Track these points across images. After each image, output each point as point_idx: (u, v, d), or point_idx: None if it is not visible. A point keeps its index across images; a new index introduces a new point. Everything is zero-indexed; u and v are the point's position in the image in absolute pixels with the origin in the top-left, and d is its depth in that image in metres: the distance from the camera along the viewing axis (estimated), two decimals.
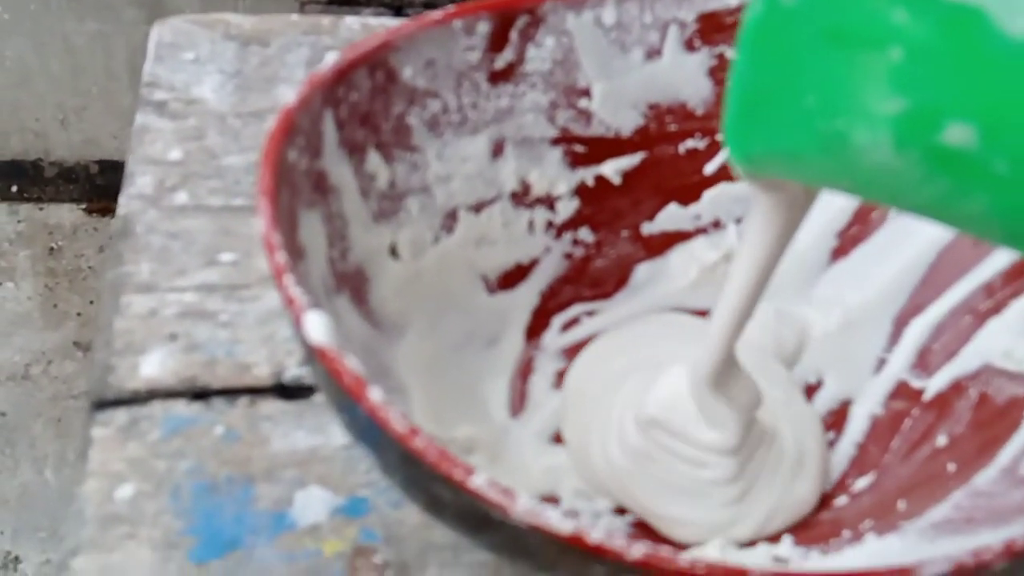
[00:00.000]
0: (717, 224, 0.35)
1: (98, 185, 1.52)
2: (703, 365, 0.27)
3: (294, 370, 0.31)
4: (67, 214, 1.53)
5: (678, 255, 0.35)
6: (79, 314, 1.42)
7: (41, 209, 1.54)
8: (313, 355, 0.21)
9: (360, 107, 0.29)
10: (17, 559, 1.23)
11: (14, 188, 1.53)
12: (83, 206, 1.54)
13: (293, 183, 0.26)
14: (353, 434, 0.23)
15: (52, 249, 1.50)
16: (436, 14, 0.30)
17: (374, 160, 0.29)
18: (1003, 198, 0.20)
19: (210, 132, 0.38)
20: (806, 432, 0.31)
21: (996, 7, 0.18)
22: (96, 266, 1.48)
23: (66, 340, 1.39)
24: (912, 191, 0.20)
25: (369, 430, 0.21)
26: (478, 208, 0.32)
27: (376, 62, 0.29)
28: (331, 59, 0.28)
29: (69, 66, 1.44)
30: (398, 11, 0.47)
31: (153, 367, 0.31)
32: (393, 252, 0.30)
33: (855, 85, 0.20)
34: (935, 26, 0.18)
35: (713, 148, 0.35)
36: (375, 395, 0.20)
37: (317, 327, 0.21)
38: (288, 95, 0.40)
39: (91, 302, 1.44)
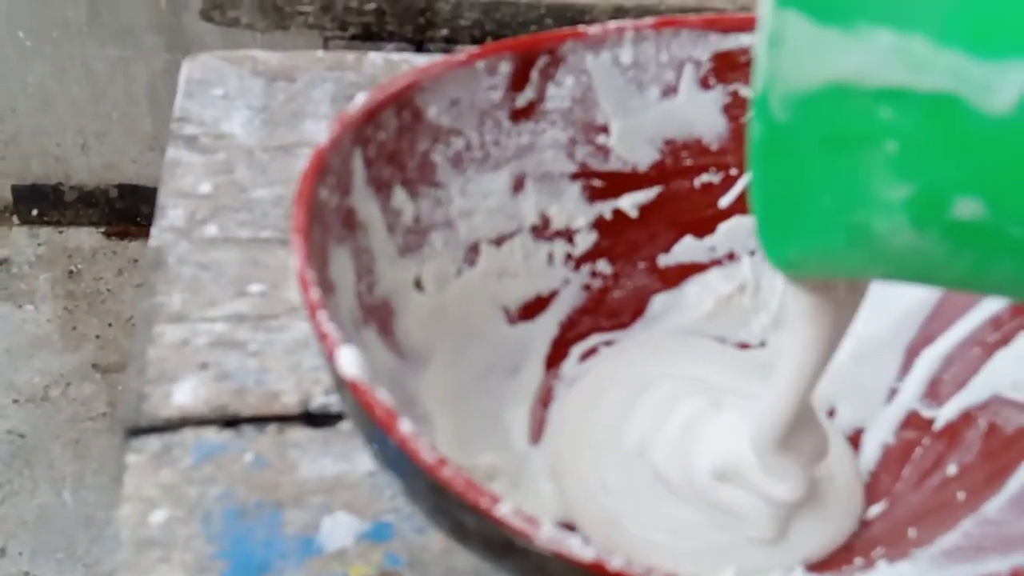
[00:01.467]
0: (732, 256, 0.36)
1: (117, 209, 1.54)
2: (767, 428, 0.28)
3: (320, 398, 0.32)
4: (86, 237, 1.55)
5: (693, 286, 0.36)
6: (98, 336, 1.44)
7: (61, 232, 1.56)
8: (345, 388, 0.22)
9: (387, 145, 0.30)
10: None
11: (35, 212, 1.55)
12: (102, 230, 1.56)
13: (324, 220, 0.27)
14: (382, 463, 0.24)
15: (71, 272, 1.51)
16: (460, 55, 0.32)
17: (400, 196, 0.30)
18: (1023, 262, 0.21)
19: (239, 166, 0.39)
20: (846, 468, 0.32)
21: (968, 91, 0.19)
22: (115, 289, 1.50)
23: (84, 362, 1.41)
24: (943, 267, 0.22)
25: (398, 460, 0.22)
26: (499, 241, 0.33)
27: (403, 102, 0.30)
28: (360, 99, 0.29)
29: (89, 92, 1.46)
30: (419, 46, 0.48)
31: (185, 395, 0.32)
32: (418, 285, 0.31)
33: (863, 179, 0.21)
34: (920, 116, 0.20)
35: (727, 182, 0.36)
36: (405, 427, 0.21)
37: (349, 361, 0.22)
38: (314, 130, 0.41)
39: (109, 324, 1.45)
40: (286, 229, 0.37)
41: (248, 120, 0.41)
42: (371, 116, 0.29)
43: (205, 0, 0.45)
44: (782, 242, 0.23)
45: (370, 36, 0.48)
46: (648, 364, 0.34)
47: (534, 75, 0.33)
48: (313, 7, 0.47)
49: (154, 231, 0.37)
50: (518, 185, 0.33)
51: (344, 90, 0.42)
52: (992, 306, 0.33)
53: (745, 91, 0.35)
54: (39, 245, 1.54)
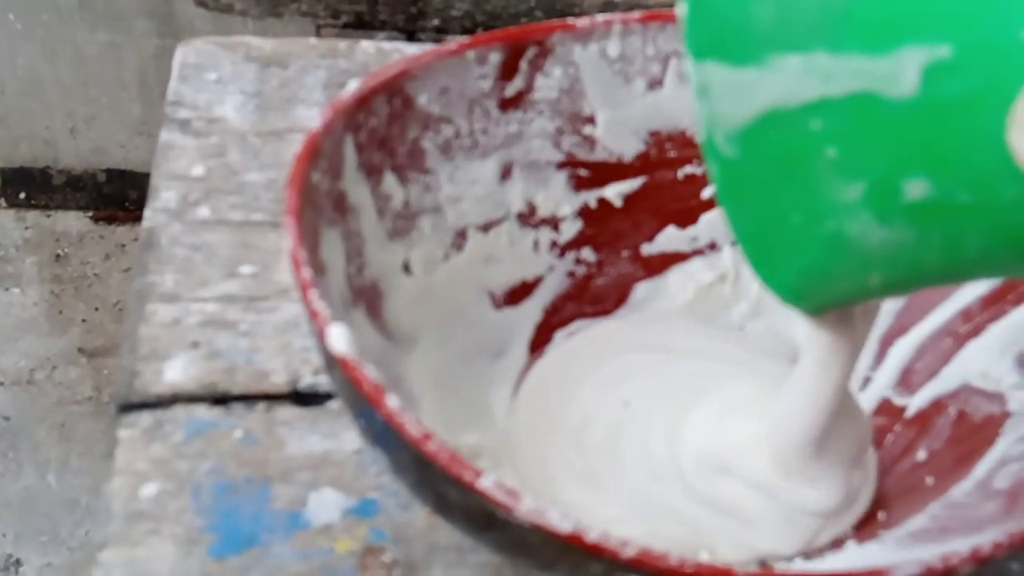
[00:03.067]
0: (713, 246, 0.37)
1: (105, 194, 1.54)
2: (795, 436, 0.29)
3: (309, 378, 0.33)
4: (74, 221, 1.55)
5: (676, 275, 0.37)
6: (84, 320, 1.44)
7: (48, 216, 1.56)
8: (334, 364, 0.23)
9: (378, 132, 0.31)
10: (19, 562, 1.25)
11: (22, 195, 1.55)
12: (90, 214, 1.56)
13: (316, 203, 0.27)
14: (369, 438, 0.25)
15: (58, 256, 1.52)
16: (451, 45, 0.32)
17: (390, 181, 0.31)
18: (989, 224, 0.22)
19: (231, 150, 0.40)
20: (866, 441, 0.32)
21: (876, 85, 0.21)
22: (102, 273, 1.50)
23: (71, 346, 1.41)
24: (925, 257, 0.23)
25: (385, 434, 0.23)
26: (486, 228, 0.34)
27: (394, 89, 0.31)
28: (352, 86, 0.30)
29: (79, 76, 1.46)
30: (411, 35, 0.49)
31: (176, 373, 0.33)
32: (406, 268, 0.32)
33: (819, 189, 0.22)
34: (844, 119, 0.21)
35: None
36: (392, 402, 0.22)
37: (339, 339, 0.23)
38: (306, 116, 0.41)
39: (96, 309, 1.45)
40: (277, 212, 0.38)
41: (241, 105, 0.41)
42: (363, 102, 0.30)
43: None
44: (777, 272, 0.25)
45: (362, 25, 0.48)
46: (613, 338, 0.35)
47: (523, 65, 0.34)
48: None
49: (147, 212, 0.37)
50: (506, 173, 0.34)
51: (336, 77, 0.43)
52: (963, 298, 0.34)
53: None
54: (26, 228, 1.54)
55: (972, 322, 0.33)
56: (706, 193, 0.37)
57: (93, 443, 1.30)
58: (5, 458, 1.29)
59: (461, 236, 0.33)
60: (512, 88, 0.34)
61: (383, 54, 0.44)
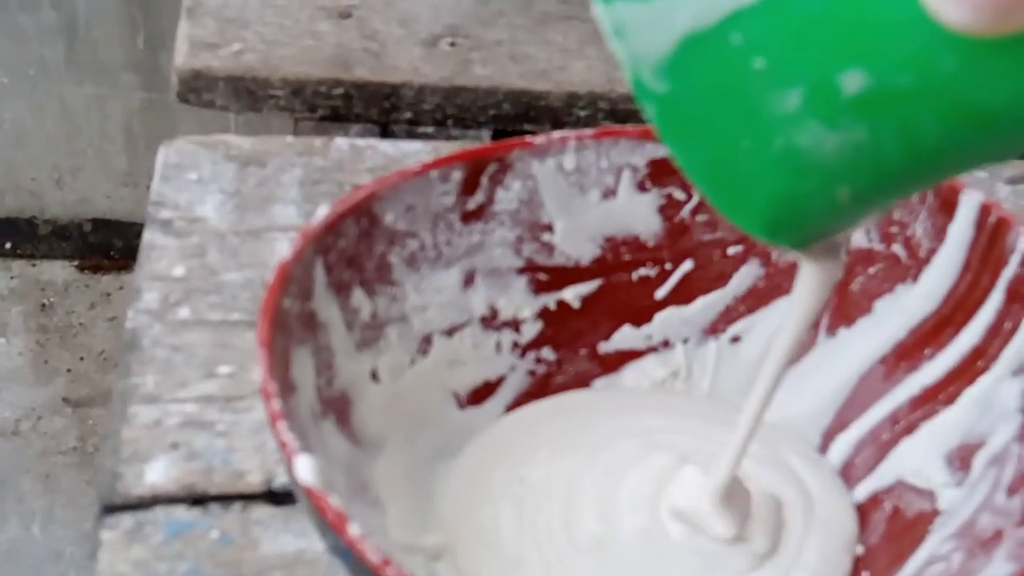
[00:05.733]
0: (667, 343, 0.39)
1: (91, 243, 1.56)
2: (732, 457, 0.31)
3: (282, 477, 0.35)
4: (59, 271, 1.57)
5: (631, 371, 0.39)
6: (69, 370, 1.45)
7: (34, 266, 1.57)
8: (301, 492, 0.25)
9: (347, 251, 0.33)
10: None
11: (8, 245, 1.56)
12: (75, 263, 1.58)
13: (287, 327, 0.29)
14: (334, 554, 0.27)
15: (44, 305, 1.53)
16: (415, 166, 0.35)
17: (358, 296, 0.33)
18: (938, 102, 0.21)
19: (211, 249, 0.42)
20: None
21: None
22: (87, 323, 1.51)
23: (56, 396, 1.42)
24: (887, 156, 0.22)
25: (347, 556, 0.25)
26: (451, 332, 0.36)
27: (362, 211, 0.33)
28: (322, 212, 0.32)
29: (65, 128, 1.48)
30: (384, 127, 0.51)
31: (157, 474, 0.34)
32: (374, 376, 0.34)
33: (758, 106, 0.22)
34: (763, 25, 0.21)
35: (663, 275, 0.39)
36: (353, 530, 0.24)
37: (306, 469, 0.25)
38: (282, 214, 0.44)
39: (81, 358, 1.47)
40: (254, 312, 0.40)
41: (221, 204, 0.43)
42: (332, 227, 0.32)
43: (181, 84, 0.48)
44: (744, 207, 0.24)
45: (338, 118, 0.51)
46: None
47: (484, 181, 0.36)
48: (284, 91, 0.49)
49: (130, 313, 0.39)
50: (468, 280, 0.36)
51: (312, 175, 0.45)
52: (899, 395, 0.36)
53: (679, 194, 0.38)
54: (12, 278, 1.56)
55: (906, 419, 0.36)
56: (659, 294, 0.39)
57: (78, 494, 1.30)
58: None
59: (426, 342, 0.36)
60: (474, 202, 0.36)
61: (357, 151, 0.46)
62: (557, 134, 0.37)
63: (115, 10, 1.41)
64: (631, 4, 0.22)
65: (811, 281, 0.29)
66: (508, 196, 0.36)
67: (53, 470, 1.35)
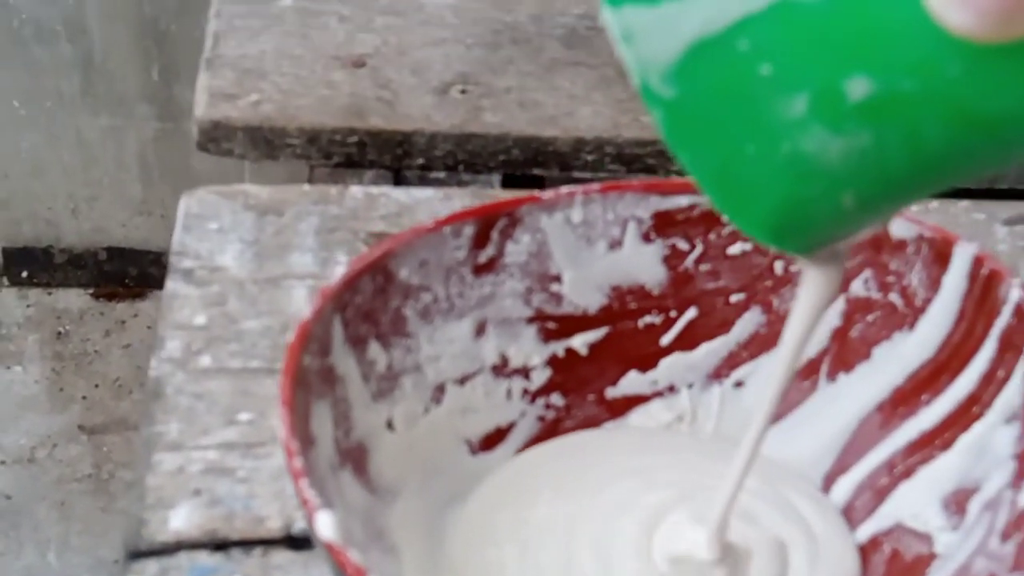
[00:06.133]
0: (672, 388, 0.40)
1: (106, 271, 1.58)
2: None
3: (301, 523, 0.36)
4: (75, 299, 1.59)
5: (638, 416, 0.40)
6: (84, 398, 1.47)
7: (50, 294, 1.59)
8: (322, 546, 0.26)
9: (363, 307, 0.34)
10: None
11: (24, 273, 1.58)
12: (90, 291, 1.59)
13: (307, 383, 0.31)
14: None
15: (59, 333, 1.55)
16: (428, 223, 0.36)
17: (374, 349, 0.35)
18: (942, 108, 0.21)
19: (231, 298, 0.43)
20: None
21: None
22: (102, 350, 1.53)
23: (71, 424, 1.43)
24: (893, 162, 0.22)
25: None
26: (463, 381, 0.37)
27: (378, 268, 0.34)
28: (340, 271, 0.33)
29: (81, 158, 1.51)
30: (397, 172, 0.53)
31: (180, 520, 0.36)
32: (389, 425, 0.35)
33: (765, 111, 0.22)
34: (769, 32, 0.22)
35: (667, 323, 0.40)
36: None
37: (326, 525, 0.26)
38: (300, 262, 0.45)
39: (96, 386, 1.48)
40: (273, 359, 0.41)
41: (240, 253, 0.45)
42: (350, 284, 0.33)
43: (201, 134, 0.50)
44: (750, 213, 0.24)
45: (352, 164, 0.52)
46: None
47: (494, 235, 0.37)
48: (300, 140, 0.51)
49: (153, 362, 0.41)
50: (480, 330, 0.38)
51: (328, 223, 0.47)
52: (898, 440, 0.37)
53: (682, 244, 0.39)
54: (28, 307, 1.58)
55: (904, 463, 0.37)
56: (665, 340, 0.40)
57: (92, 521, 1.32)
58: (6, 537, 1.31)
59: (440, 390, 0.37)
60: (485, 255, 0.37)
61: (371, 199, 0.48)
62: (565, 189, 0.38)
63: (130, 43, 1.43)
64: (639, 10, 0.22)
65: (814, 287, 0.29)
66: (518, 249, 0.38)
67: (68, 497, 1.36)
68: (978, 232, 0.50)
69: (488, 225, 0.37)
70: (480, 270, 0.37)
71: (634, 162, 0.54)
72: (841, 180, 0.23)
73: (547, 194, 0.38)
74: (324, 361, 0.32)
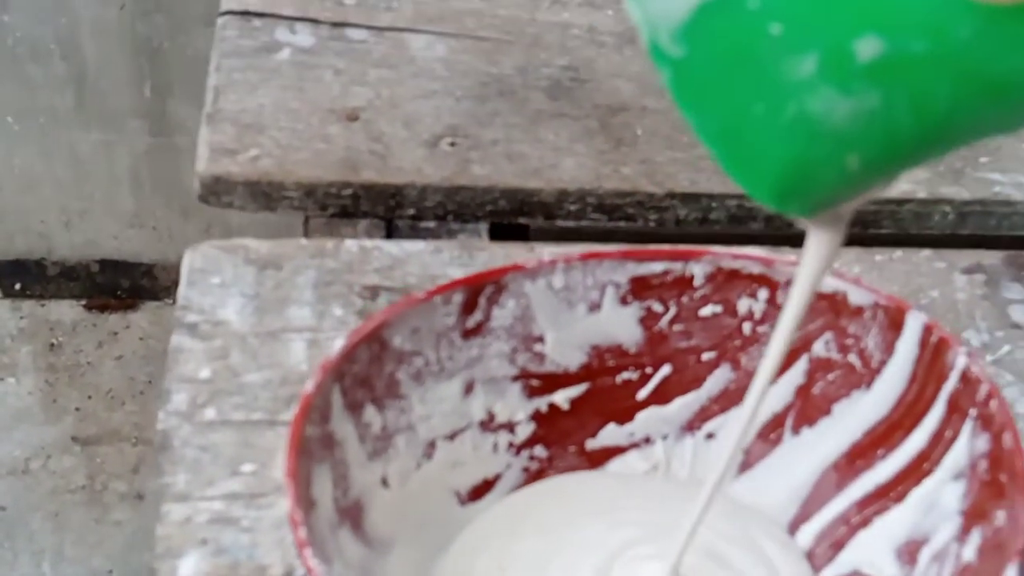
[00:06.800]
0: (648, 440, 0.43)
1: (98, 283, 1.60)
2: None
3: (301, 570, 0.39)
4: (67, 310, 1.61)
5: (615, 465, 0.43)
6: (77, 409, 1.49)
7: (42, 305, 1.61)
8: None
9: (360, 375, 0.37)
10: None
11: (17, 286, 1.60)
12: (83, 302, 1.61)
13: (309, 451, 0.33)
14: None
15: (52, 345, 1.57)
16: (420, 294, 0.39)
17: (370, 412, 0.37)
18: (951, 69, 0.21)
19: (233, 351, 0.46)
20: None
21: None
22: (94, 362, 1.55)
23: (64, 435, 1.46)
24: (899, 123, 0.22)
25: None
26: (452, 436, 0.40)
27: (373, 338, 0.37)
28: (338, 344, 0.36)
29: (73, 173, 1.53)
30: (390, 223, 0.55)
31: (188, 570, 0.38)
32: (384, 482, 0.38)
33: (773, 71, 0.22)
34: None
35: (644, 379, 0.43)
36: None
37: None
38: (298, 315, 0.48)
39: (89, 397, 1.50)
40: (273, 411, 0.44)
41: (241, 307, 0.47)
42: (348, 357, 0.36)
43: (203, 188, 0.52)
44: (754, 173, 0.24)
45: (347, 215, 0.55)
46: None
47: (482, 301, 0.40)
48: (298, 193, 0.54)
49: (161, 415, 0.43)
50: (468, 389, 0.40)
51: (324, 276, 0.49)
52: (856, 491, 0.40)
53: (657, 306, 0.42)
54: (21, 318, 1.60)
55: (862, 514, 0.40)
56: (641, 395, 0.43)
57: (86, 532, 1.34)
58: (1, 548, 1.33)
59: (431, 447, 0.40)
60: (473, 320, 0.40)
61: (365, 252, 0.50)
62: (547, 257, 0.41)
63: (123, 61, 1.46)
64: None
65: (816, 249, 0.30)
66: (503, 313, 0.41)
67: (63, 508, 1.38)
68: (939, 280, 0.53)
69: (476, 293, 0.40)
70: (468, 334, 0.40)
71: (615, 211, 0.57)
72: (847, 142, 0.23)
73: (530, 262, 0.41)
74: (324, 428, 0.35)
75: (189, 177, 0.53)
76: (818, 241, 0.30)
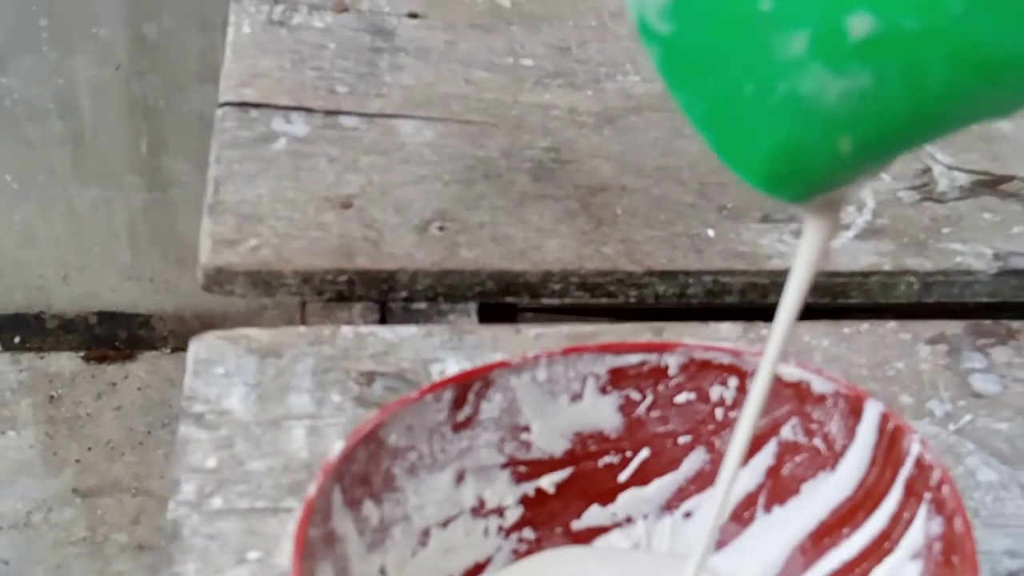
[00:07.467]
0: (629, 519, 0.46)
1: (96, 335, 1.63)
2: None
3: None
4: (67, 362, 1.63)
5: (599, 544, 0.46)
6: (77, 461, 1.51)
7: (42, 358, 1.64)
8: None
9: (358, 473, 0.40)
10: None
11: (17, 339, 1.63)
12: (82, 354, 1.64)
13: (313, 551, 0.36)
14: None
15: (52, 397, 1.59)
16: (413, 393, 0.42)
17: (368, 506, 0.40)
18: (944, 47, 0.21)
19: (238, 440, 0.48)
20: None
21: None
22: (93, 413, 1.57)
23: (65, 487, 1.48)
24: (893, 103, 0.21)
25: None
26: (445, 524, 0.43)
27: (370, 438, 0.40)
28: (338, 446, 0.39)
29: (72, 228, 1.56)
30: (383, 306, 0.58)
31: None
32: (382, 572, 0.41)
33: (763, 49, 0.22)
34: None
35: (624, 462, 0.46)
36: None
37: None
38: (298, 403, 0.50)
39: (89, 449, 1.53)
40: (276, 498, 0.47)
41: (244, 396, 0.50)
42: (347, 458, 0.39)
43: (206, 279, 0.55)
44: (744, 156, 0.23)
45: (342, 299, 0.58)
46: None
47: (471, 396, 0.43)
48: (295, 281, 0.57)
49: (171, 504, 0.46)
50: (460, 478, 0.43)
51: (322, 364, 0.52)
52: (825, 567, 0.43)
53: (635, 395, 0.45)
54: (21, 371, 1.62)
55: None
56: (622, 477, 0.46)
57: None
58: None
59: (425, 535, 0.42)
60: (462, 414, 0.43)
61: (360, 338, 0.53)
62: (531, 354, 0.44)
63: (119, 119, 1.49)
64: None
65: (812, 235, 0.29)
66: (491, 406, 0.43)
67: (64, 561, 1.40)
68: (903, 352, 0.56)
69: (465, 389, 0.43)
70: (459, 427, 0.43)
71: (596, 289, 0.60)
72: (839, 123, 0.22)
73: (515, 359, 0.43)
74: (326, 527, 0.38)
75: (185, 230, 0.55)
76: (813, 228, 0.29)
